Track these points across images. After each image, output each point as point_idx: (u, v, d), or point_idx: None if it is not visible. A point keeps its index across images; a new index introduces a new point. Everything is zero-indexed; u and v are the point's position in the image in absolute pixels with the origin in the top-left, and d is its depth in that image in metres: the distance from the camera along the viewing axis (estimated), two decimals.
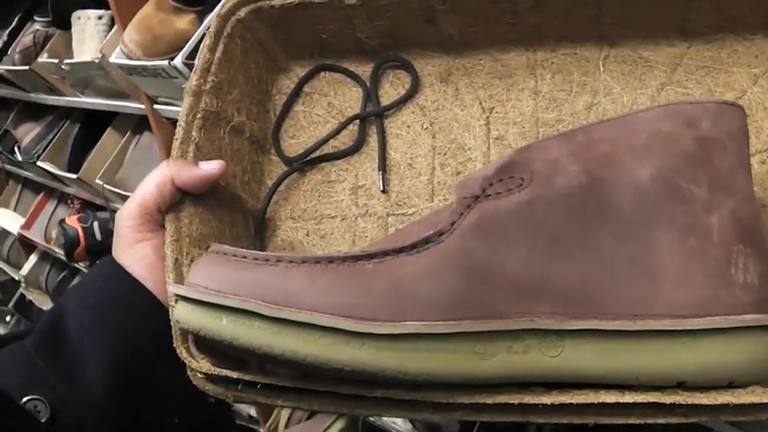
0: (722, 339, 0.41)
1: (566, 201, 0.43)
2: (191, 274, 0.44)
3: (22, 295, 2.52)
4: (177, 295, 0.44)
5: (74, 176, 1.66)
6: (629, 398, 0.42)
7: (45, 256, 2.41)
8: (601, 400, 0.42)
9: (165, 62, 1.02)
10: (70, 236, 1.54)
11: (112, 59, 1.17)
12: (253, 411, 1.80)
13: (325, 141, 0.59)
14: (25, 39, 1.75)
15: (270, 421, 1.70)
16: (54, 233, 2.12)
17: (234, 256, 0.44)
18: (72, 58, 1.46)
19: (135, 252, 0.50)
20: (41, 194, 2.29)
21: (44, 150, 1.89)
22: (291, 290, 0.42)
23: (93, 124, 1.80)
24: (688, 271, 0.42)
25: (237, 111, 0.57)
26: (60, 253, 1.95)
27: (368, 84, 0.60)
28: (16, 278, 2.51)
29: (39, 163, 1.85)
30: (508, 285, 0.42)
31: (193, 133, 0.53)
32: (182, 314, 0.43)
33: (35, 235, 2.24)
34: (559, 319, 0.42)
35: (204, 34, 0.56)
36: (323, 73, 0.62)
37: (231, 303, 0.41)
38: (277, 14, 0.58)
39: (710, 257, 0.42)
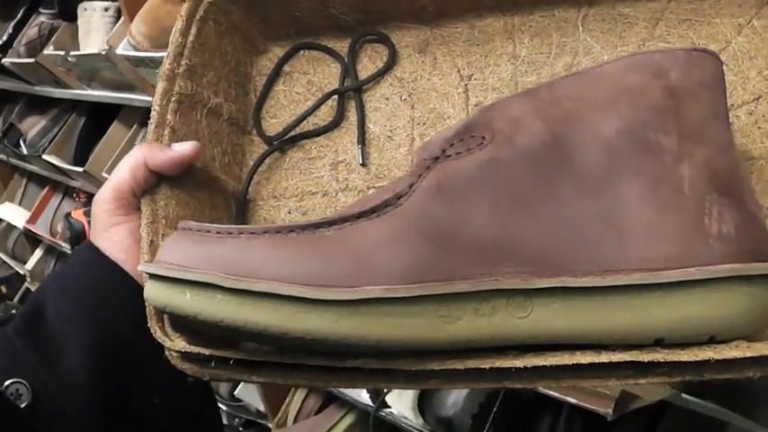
0: (697, 292, 0.40)
1: (528, 159, 0.42)
2: (159, 252, 0.44)
3: (28, 289, 2.52)
4: (144, 272, 0.44)
5: (80, 170, 1.65)
6: (605, 357, 0.40)
7: (50, 250, 2.39)
8: (575, 361, 0.40)
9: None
10: (76, 229, 1.52)
11: (119, 51, 1.16)
12: (261, 406, 1.79)
13: (303, 118, 0.58)
14: (30, 31, 1.73)
15: (279, 416, 1.69)
16: (60, 227, 2.13)
17: (198, 231, 0.44)
18: (78, 50, 1.44)
19: (111, 236, 0.50)
20: (47, 188, 2.27)
21: (50, 144, 1.87)
22: (253, 261, 0.41)
23: (99, 117, 1.79)
24: (658, 223, 0.40)
25: (214, 93, 0.57)
26: (66, 247, 1.98)
27: (346, 59, 0.60)
28: (21, 272, 2.49)
29: (44, 156, 1.83)
30: (470, 246, 0.41)
31: (168, 117, 0.53)
32: (150, 292, 0.43)
33: (40, 229, 2.23)
34: (525, 278, 0.40)
35: None
36: (302, 52, 0.61)
37: (193, 277, 0.41)
38: None
39: (682, 208, 0.40)
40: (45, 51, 1.58)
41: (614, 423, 0.99)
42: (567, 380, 0.42)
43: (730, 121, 0.51)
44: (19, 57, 1.74)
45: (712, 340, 0.40)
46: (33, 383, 0.46)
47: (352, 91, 0.59)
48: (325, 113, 0.60)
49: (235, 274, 0.41)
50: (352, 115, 0.59)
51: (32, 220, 2.24)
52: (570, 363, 0.41)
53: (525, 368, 0.41)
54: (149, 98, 1.29)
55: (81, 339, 0.47)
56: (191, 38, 0.55)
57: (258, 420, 1.93)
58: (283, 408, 1.70)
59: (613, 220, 0.41)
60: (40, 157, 1.85)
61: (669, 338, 0.40)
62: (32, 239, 2.46)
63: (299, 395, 1.70)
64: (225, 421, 2.07)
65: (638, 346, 0.41)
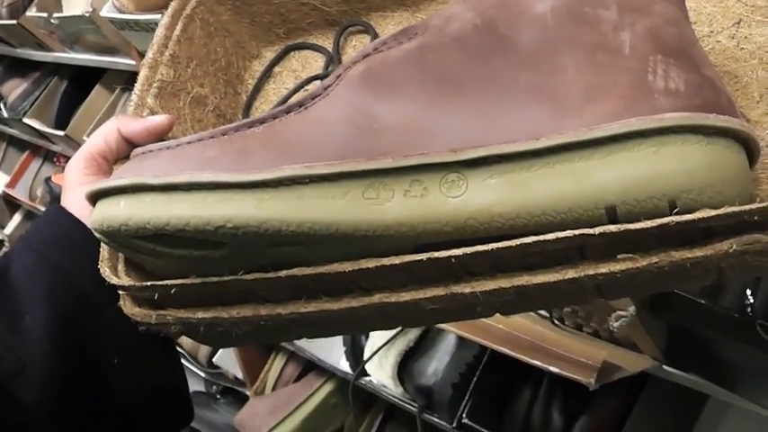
0: (644, 148, 0.35)
1: (458, 42, 0.40)
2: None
3: None
4: (89, 197, 0.43)
5: (61, 134, 1.62)
6: (551, 236, 0.36)
7: (30, 215, 2.34)
8: (520, 242, 0.36)
9: (158, 16, 0.95)
10: (56, 194, 1.48)
11: (103, 13, 1.15)
12: (239, 374, 1.73)
13: (283, 102, 0.58)
14: None
15: (257, 383, 1.66)
16: (39, 191, 2.11)
17: (143, 152, 0.44)
18: (61, 12, 1.40)
19: (77, 194, 0.50)
20: (27, 152, 2.24)
21: (31, 107, 1.83)
22: (182, 163, 0.40)
23: (81, 81, 1.76)
24: (597, 85, 0.37)
25: (200, 85, 0.58)
26: None
27: (331, 51, 0.61)
28: (0, 237, 2.42)
29: (25, 120, 1.80)
30: (397, 128, 0.39)
31: (148, 100, 0.54)
32: (93, 215, 0.43)
33: (20, 193, 2.19)
34: (455, 151, 0.37)
35: None
36: (292, 53, 0.63)
37: (123, 182, 0.40)
38: None
39: (622, 68, 0.37)
40: (27, 13, 1.54)
41: (595, 394, 0.99)
42: (519, 277, 0.38)
43: (711, 46, 0.49)
44: (1, 18, 1.65)
45: (673, 209, 0.35)
46: None
47: None
48: None
49: (163, 174, 0.40)
50: None
51: (12, 184, 2.22)
52: (515, 244, 0.37)
53: (469, 259, 0.37)
54: (133, 62, 1.28)
55: (43, 294, 0.47)
56: (176, 32, 0.58)
57: (236, 388, 1.86)
58: (262, 375, 1.67)
59: (549, 89, 0.38)
60: (20, 120, 1.82)
61: (621, 207, 0.36)
62: (12, 204, 2.42)
63: (278, 363, 1.66)
64: (203, 388, 2.00)
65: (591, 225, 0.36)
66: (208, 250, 0.40)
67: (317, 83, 0.59)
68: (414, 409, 1.26)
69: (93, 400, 0.47)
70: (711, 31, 0.49)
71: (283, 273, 0.40)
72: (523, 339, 0.98)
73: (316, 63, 0.61)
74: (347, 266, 0.39)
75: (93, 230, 0.44)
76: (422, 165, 0.37)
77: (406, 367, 1.27)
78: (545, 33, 0.39)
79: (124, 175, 0.42)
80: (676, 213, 0.35)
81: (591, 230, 0.36)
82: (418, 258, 0.38)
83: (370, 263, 0.39)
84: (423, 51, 0.40)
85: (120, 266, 0.46)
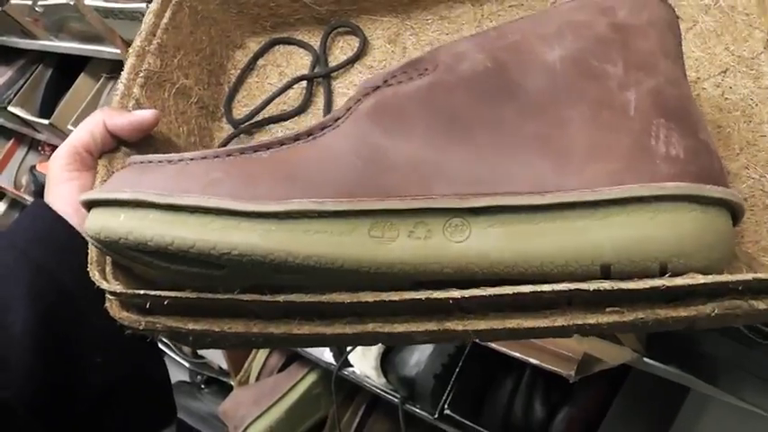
0: (643, 213, 0.37)
1: (468, 83, 0.41)
2: (103, 185, 0.44)
3: None
4: (83, 202, 0.43)
5: (46, 122, 1.61)
6: (547, 287, 0.38)
7: (14, 203, 2.34)
8: (516, 291, 0.38)
9: (143, 4, 0.98)
10: (41, 183, 1.47)
11: (88, 1, 1.14)
12: (224, 364, 1.75)
13: (269, 101, 0.58)
14: None
15: (241, 373, 1.68)
16: (24, 180, 2.10)
17: (142, 162, 0.43)
18: None
19: (61, 191, 0.49)
20: (12, 141, 2.23)
21: (15, 95, 1.82)
22: (186, 182, 0.40)
23: (66, 69, 1.75)
24: (601, 143, 0.39)
25: (185, 76, 0.57)
26: (30, 200, 1.88)
27: (318, 50, 0.60)
28: None
29: (9, 108, 1.79)
30: (405, 167, 0.39)
31: (134, 90, 0.53)
32: (88, 222, 0.42)
33: (5, 182, 2.18)
34: (461, 197, 0.39)
35: None
36: (277, 46, 0.62)
37: (125, 196, 0.40)
38: None
39: (626, 129, 0.39)
40: (12, 0, 1.52)
41: (576, 386, 1.00)
42: (512, 319, 0.40)
43: (697, 92, 0.51)
44: None
45: (663, 272, 0.38)
46: None
47: (321, 77, 0.59)
48: (294, 99, 0.60)
49: (167, 192, 0.40)
50: (321, 101, 0.59)
51: None
52: (511, 292, 0.38)
53: (465, 301, 0.39)
54: (117, 50, 1.27)
55: (25, 291, 0.46)
56: (164, 20, 0.56)
57: (220, 378, 1.90)
58: (246, 365, 1.69)
59: (555, 141, 0.39)
60: (5, 108, 1.80)
61: (616, 264, 0.37)
62: None
63: (263, 353, 1.68)
64: (187, 378, 2.03)
65: (586, 278, 0.38)
66: (208, 270, 0.41)
67: (304, 83, 0.59)
68: (396, 399, 1.28)
69: (74, 396, 0.47)
70: (698, 78, 0.51)
71: (281, 298, 0.40)
72: None
73: (300, 59, 0.61)
74: (345, 297, 0.40)
75: (87, 237, 0.43)
76: (428, 209, 0.38)
77: (388, 358, 1.28)
78: (554, 83, 0.40)
79: (123, 186, 0.41)
80: (666, 273, 0.37)
81: (586, 286, 0.37)
82: (417, 297, 0.39)
83: (369, 296, 0.39)
84: (433, 90, 0.41)
85: (109, 269, 0.45)
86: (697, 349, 0.85)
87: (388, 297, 0.39)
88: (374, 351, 1.30)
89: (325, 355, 1.46)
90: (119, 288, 0.44)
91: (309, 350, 1.49)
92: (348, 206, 0.38)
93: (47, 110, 1.75)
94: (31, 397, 0.45)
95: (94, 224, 0.41)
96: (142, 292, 0.43)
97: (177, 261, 0.41)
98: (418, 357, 1.22)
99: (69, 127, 1.56)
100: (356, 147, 0.40)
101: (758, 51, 0.50)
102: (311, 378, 1.56)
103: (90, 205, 0.42)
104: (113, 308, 0.45)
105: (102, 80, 1.63)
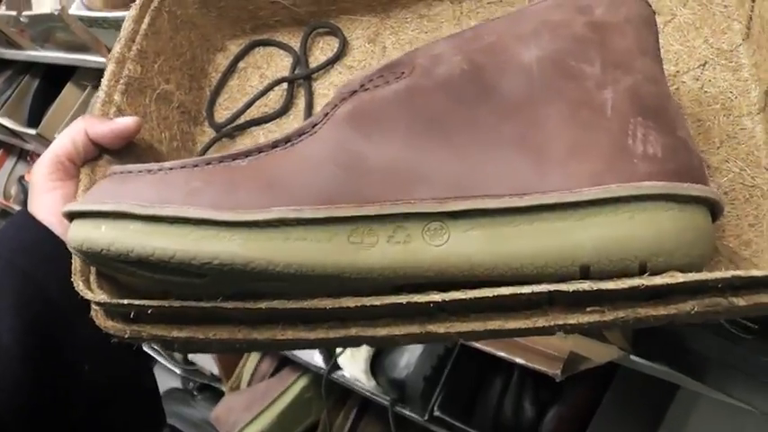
0: (621, 213, 0.37)
1: (445, 86, 0.41)
2: (84, 196, 0.44)
3: None
4: (65, 214, 0.43)
5: (33, 132, 1.62)
6: (527, 289, 0.38)
7: (3, 213, 2.30)
8: (496, 293, 0.38)
9: (126, 13, 0.98)
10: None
11: (72, 11, 1.14)
12: (215, 370, 1.76)
13: (250, 104, 0.58)
14: None
15: (232, 379, 1.68)
16: (13, 190, 2.10)
17: (122, 173, 0.43)
18: (31, 10, 1.40)
19: (45, 200, 0.49)
20: (0, 151, 2.22)
21: (3, 106, 1.80)
22: (166, 192, 0.40)
23: (53, 79, 1.75)
24: (579, 143, 0.39)
25: (166, 81, 0.57)
26: None
27: (298, 51, 0.60)
28: None
29: None
30: (384, 172, 0.39)
31: (115, 97, 0.53)
32: (70, 233, 0.42)
33: None
34: (440, 201, 0.39)
35: None
36: (257, 48, 0.62)
37: (106, 208, 0.40)
38: None
39: (604, 128, 0.39)
40: None
41: (565, 384, 0.99)
42: (494, 321, 0.40)
43: (676, 86, 0.51)
44: None
45: (643, 271, 0.38)
46: None
47: (301, 79, 0.59)
48: (276, 101, 0.60)
49: (147, 203, 0.40)
50: (302, 103, 0.59)
51: None
52: (491, 295, 0.38)
53: (446, 304, 0.39)
54: (103, 59, 1.26)
55: (11, 301, 0.47)
56: (144, 26, 0.56)
57: (212, 384, 1.90)
58: (237, 371, 1.69)
59: (532, 142, 0.39)
60: None
61: (595, 265, 0.38)
62: None
63: (254, 359, 1.69)
64: (179, 385, 2.03)
65: (565, 280, 0.38)
66: (189, 279, 0.41)
67: (285, 85, 0.59)
68: (386, 402, 1.27)
69: (62, 404, 0.47)
70: (677, 71, 0.51)
71: (264, 304, 0.40)
72: None
73: (281, 61, 0.61)
74: (327, 303, 0.40)
75: (69, 247, 0.43)
76: (406, 213, 0.39)
77: (378, 361, 1.28)
78: (530, 84, 0.40)
79: (103, 197, 0.41)
80: (645, 272, 0.37)
81: (565, 287, 0.37)
82: (398, 301, 0.39)
83: (351, 302, 0.40)
84: (411, 94, 0.41)
85: (93, 278, 0.45)
86: (683, 346, 0.85)
87: (370, 302, 0.39)
88: (364, 354, 1.30)
89: (315, 358, 1.46)
90: (103, 298, 0.44)
91: (299, 354, 1.50)
92: (327, 213, 0.38)
93: (34, 120, 1.75)
94: (19, 406, 0.45)
95: (76, 236, 0.41)
96: (126, 301, 0.43)
97: (159, 270, 0.41)
98: (408, 359, 1.22)
99: (56, 136, 1.54)
100: (334, 153, 0.40)
101: (737, 43, 0.50)
102: (302, 382, 1.56)
103: (72, 217, 0.42)
104: (99, 317, 0.45)
105: (88, 89, 1.64)
